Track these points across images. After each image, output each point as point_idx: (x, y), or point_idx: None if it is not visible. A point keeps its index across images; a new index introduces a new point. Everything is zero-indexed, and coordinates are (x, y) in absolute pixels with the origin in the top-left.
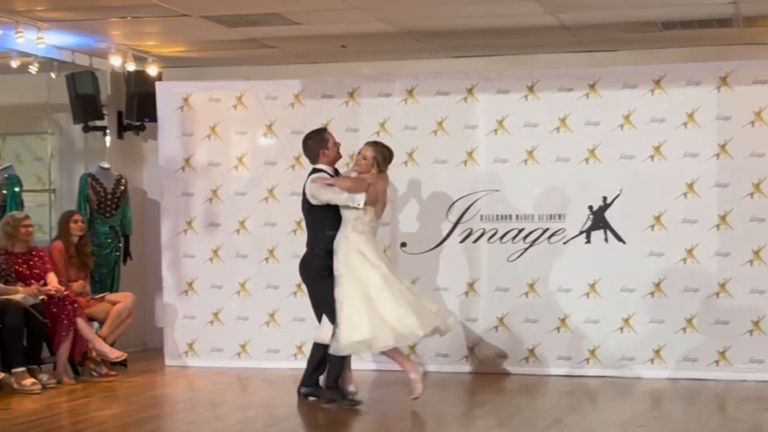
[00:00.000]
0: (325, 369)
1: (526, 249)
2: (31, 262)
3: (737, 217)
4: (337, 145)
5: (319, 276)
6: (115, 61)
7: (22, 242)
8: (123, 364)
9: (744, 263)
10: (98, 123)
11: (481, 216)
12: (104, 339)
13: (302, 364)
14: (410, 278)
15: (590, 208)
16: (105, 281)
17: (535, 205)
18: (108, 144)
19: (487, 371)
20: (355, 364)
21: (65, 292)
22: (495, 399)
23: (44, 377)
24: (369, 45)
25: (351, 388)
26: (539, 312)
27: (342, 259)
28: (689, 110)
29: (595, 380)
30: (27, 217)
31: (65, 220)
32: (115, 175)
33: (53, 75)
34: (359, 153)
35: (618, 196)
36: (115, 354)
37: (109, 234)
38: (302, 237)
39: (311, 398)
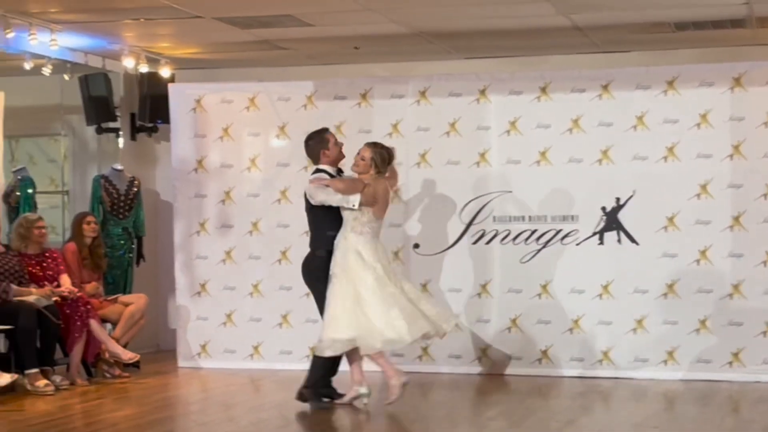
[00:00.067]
0: (336, 370)
1: (539, 250)
2: (45, 264)
3: (751, 218)
4: (338, 145)
5: (320, 277)
6: (128, 62)
7: (35, 244)
8: (136, 365)
9: (757, 264)
10: (111, 125)
11: (494, 217)
12: (117, 340)
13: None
14: (423, 279)
15: (603, 209)
16: (118, 283)
17: (548, 207)
18: (121, 146)
19: (500, 373)
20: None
21: (78, 294)
22: (508, 400)
23: (57, 378)
24: (382, 46)
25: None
26: (552, 313)
27: (338, 259)
28: (702, 111)
29: (608, 382)
30: (40, 218)
31: (78, 221)
32: (128, 177)
33: (66, 77)
34: (358, 154)
35: (631, 197)
36: (128, 355)
37: (122, 235)
38: None
39: (324, 399)
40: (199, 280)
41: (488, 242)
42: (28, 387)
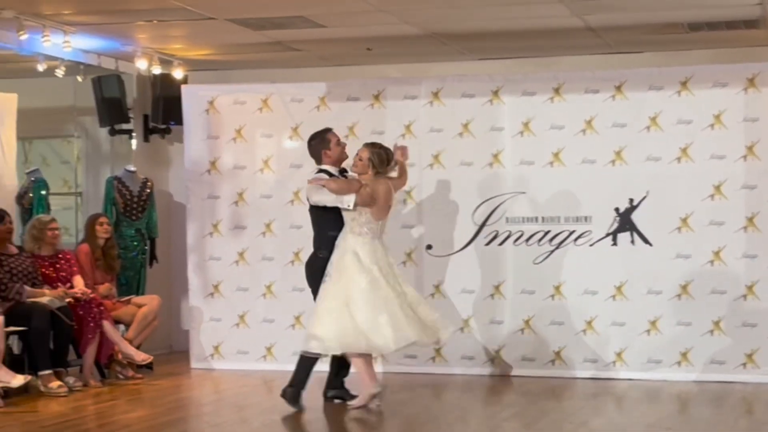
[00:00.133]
0: (348, 371)
1: (552, 251)
2: (58, 265)
3: (764, 219)
4: (341, 145)
5: (322, 277)
6: (141, 64)
7: (48, 245)
8: (149, 366)
9: None
10: (124, 126)
11: (507, 218)
12: (130, 342)
13: (328, 367)
14: (436, 280)
15: (617, 210)
16: (131, 284)
17: (561, 208)
18: (134, 147)
19: (513, 374)
20: (380, 367)
21: (91, 295)
22: (521, 402)
23: (70, 380)
24: (394, 48)
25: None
26: (565, 314)
27: (335, 259)
28: (716, 112)
29: (622, 383)
30: (53, 220)
31: (91, 222)
32: (141, 178)
33: (79, 78)
34: (357, 154)
35: (644, 198)
36: (141, 357)
37: (135, 237)
38: None
39: (337, 401)
40: (212, 282)
41: (501, 243)
42: (42, 388)
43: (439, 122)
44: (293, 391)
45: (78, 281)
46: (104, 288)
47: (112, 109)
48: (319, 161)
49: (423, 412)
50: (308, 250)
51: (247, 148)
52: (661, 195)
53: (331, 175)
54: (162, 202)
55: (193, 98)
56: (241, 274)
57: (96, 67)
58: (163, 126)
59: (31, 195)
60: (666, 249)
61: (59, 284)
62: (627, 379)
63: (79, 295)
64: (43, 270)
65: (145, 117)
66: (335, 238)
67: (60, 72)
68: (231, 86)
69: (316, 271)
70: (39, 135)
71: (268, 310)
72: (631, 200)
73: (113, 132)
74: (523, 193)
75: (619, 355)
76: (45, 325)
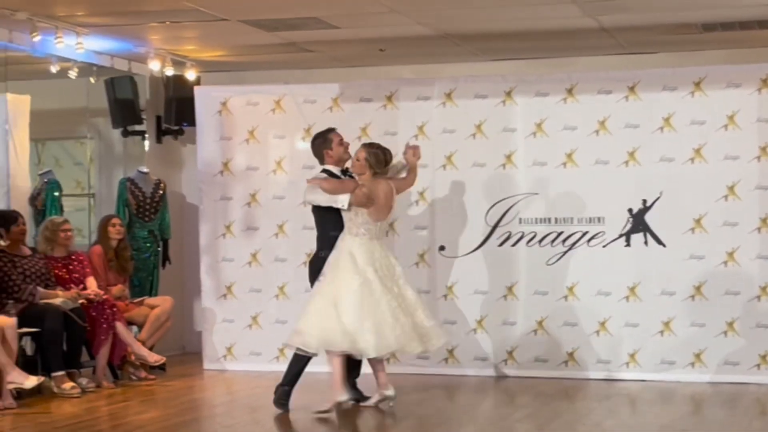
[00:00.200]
0: (359, 371)
1: (565, 252)
2: (71, 267)
3: None
4: (343, 144)
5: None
6: (154, 65)
7: (61, 247)
8: (162, 367)
9: None
10: (137, 127)
11: (520, 219)
12: (143, 343)
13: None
14: (449, 281)
15: (630, 211)
16: (144, 285)
17: (575, 208)
18: (147, 148)
19: (526, 375)
20: (393, 368)
21: (104, 296)
22: (534, 403)
23: (84, 381)
24: (407, 48)
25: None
26: (578, 315)
27: (332, 259)
28: (730, 112)
29: (635, 384)
30: (66, 221)
31: (104, 224)
32: (154, 180)
33: (92, 80)
34: (355, 154)
35: (658, 198)
36: (153, 358)
37: (148, 238)
38: None
39: (350, 402)
40: (224, 283)
41: (514, 244)
42: (55, 389)
43: (452, 123)
44: (283, 390)
45: (91, 282)
46: (117, 289)
47: (124, 111)
48: (321, 161)
49: (436, 414)
50: None
51: (259, 150)
52: (675, 196)
53: (333, 175)
54: (175, 203)
55: (205, 99)
56: (253, 276)
57: (109, 69)
58: (176, 127)
59: (44, 196)
60: (679, 250)
61: (72, 285)
62: (640, 380)
63: (92, 296)
64: (56, 271)
65: (158, 118)
66: (336, 238)
67: (73, 73)
68: (244, 87)
69: (316, 271)
70: (52, 136)
71: (281, 312)
72: (645, 201)
73: (126, 133)
74: (536, 194)
75: (632, 356)
76: (58, 326)
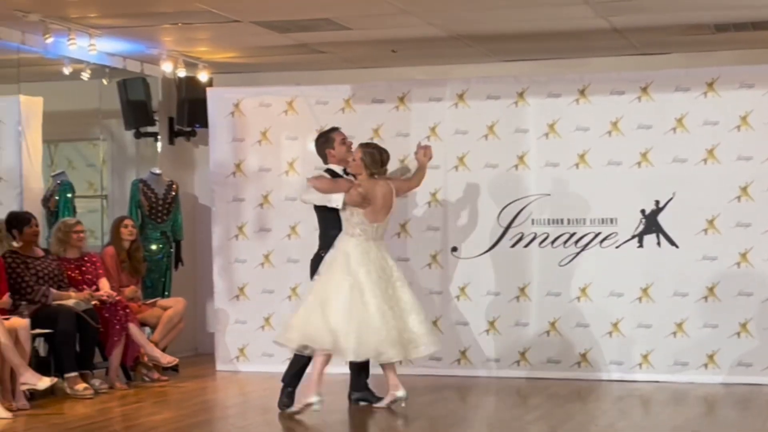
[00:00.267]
0: (368, 372)
1: (578, 253)
2: (84, 268)
3: None
4: (345, 144)
5: None
6: (166, 67)
7: (74, 248)
8: (174, 369)
9: None
10: (149, 129)
11: (532, 220)
12: (156, 344)
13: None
14: (461, 283)
15: (642, 212)
16: (156, 286)
17: (587, 209)
18: (159, 150)
19: (539, 376)
20: (405, 369)
21: (117, 298)
22: (546, 404)
23: (96, 382)
24: (419, 49)
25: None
26: (591, 316)
27: (328, 259)
28: (742, 113)
29: (648, 385)
30: (78, 223)
31: (116, 225)
32: (167, 181)
33: (105, 81)
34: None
35: (671, 199)
36: (166, 359)
37: (161, 239)
38: None
39: (362, 403)
40: (237, 284)
41: (527, 245)
42: (68, 390)
43: (464, 124)
44: (287, 391)
45: (104, 284)
46: (130, 290)
47: (137, 112)
48: (325, 160)
49: (448, 415)
50: None
51: (272, 151)
52: (688, 196)
53: (335, 174)
54: (187, 204)
55: (218, 101)
56: (266, 277)
57: (121, 70)
58: (189, 129)
59: (56, 198)
60: (692, 251)
61: (85, 287)
62: (653, 381)
63: (104, 297)
64: (69, 273)
65: (171, 120)
66: (336, 237)
67: (85, 75)
68: (256, 89)
69: (316, 270)
70: (65, 138)
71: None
72: (657, 202)
73: (138, 135)
74: (549, 195)
75: (645, 357)
76: (71, 327)
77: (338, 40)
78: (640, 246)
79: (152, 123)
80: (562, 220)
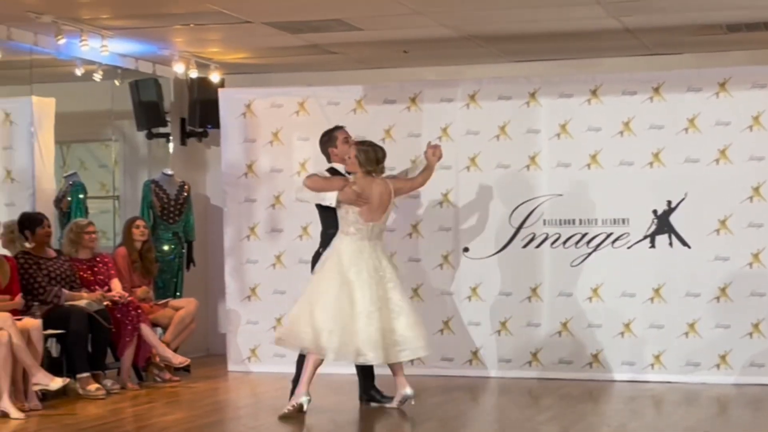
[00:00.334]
0: (373, 373)
1: (590, 254)
2: (96, 269)
3: None
4: (348, 142)
5: None
6: (178, 68)
7: (85, 249)
8: (186, 369)
9: None
10: (161, 130)
11: (544, 220)
12: (168, 344)
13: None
14: (473, 283)
15: (654, 212)
16: (168, 287)
17: (599, 210)
18: (171, 150)
19: (550, 377)
20: (417, 370)
21: (129, 298)
22: (558, 405)
23: (108, 383)
24: (431, 50)
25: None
26: (603, 317)
27: (323, 256)
28: (755, 113)
29: (660, 386)
30: (90, 223)
31: (128, 226)
32: (178, 182)
33: (117, 82)
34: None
35: (683, 200)
36: (178, 359)
37: (172, 240)
38: None
39: (373, 404)
40: (249, 285)
41: (538, 246)
42: (80, 391)
43: (476, 125)
44: (292, 388)
45: (115, 284)
46: (141, 291)
47: (149, 113)
48: (328, 159)
49: (460, 415)
50: None
51: (283, 151)
52: (700, 197)
53: (337, 173)
54: (199, 205)
55: (230, 102)
56: (278, 277)
57: (133, 71)
58: (200, 129)
59: (69, 198)
60: (704, 251)
61: (97, 287)
62: (665, 382)
63: (116, 298)
64: (81, 273)
65: (183, 120)
66: (333, 235)
67: (98, 76)
68: (268, 89)
69: (313, 268)
70: (77, 139)
71: None
72: (669, 202)
73: (150, 136)
74: (560, 195)
75: (657, 357)
76: (83, 328)
77: (350, 41)
78: (652, 246)
79: (164, 124)
80: (573, 221)
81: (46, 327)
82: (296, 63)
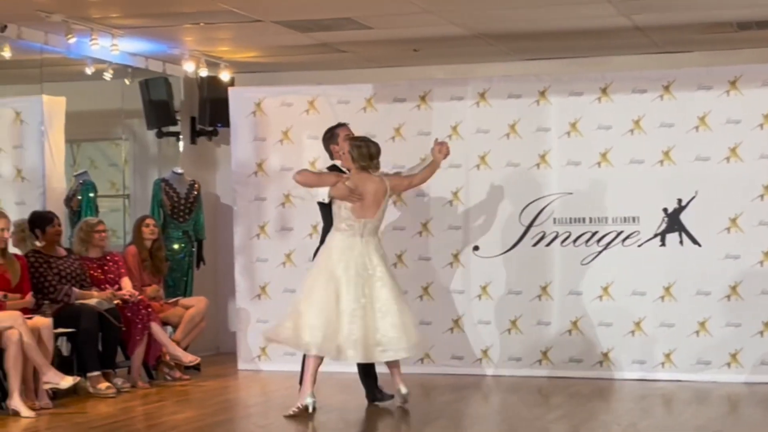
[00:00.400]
0: (375, 374)
1: (600, 252)
2: (106, 267)
3: None
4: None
5: None
6: (188, 67)
7: (96, 247)
8: (196, 368)
9: None
10: (171, 128)
11: (554, 219)
12: (178, 343)
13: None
14: (483, 282)
15: (665, 210)
16: (178, 286)
17: (609, 208)
18: (181, 149)
19: (561, 375)
20: (427, 368)
21: (139, 297)
22: (568, 403)
23: (119, 381)
24: (441, 48)
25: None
26: (613, 315)
27: (317, 254)
28: (765, 111)
29: (670, 384)
30: (101, 222)
31: (138, 224)
32: (188, 180)
33: (127, 81)
34: None
35: (693, 198)
36: (188, 358)
37: (182, 239)
38: None
39: (378, 404)
40: (259, 283)
41: (548, 244)
42: (90, 389)
43: (486, 123)
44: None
45: (126, 283)
46: (152, 290)
47: (159, 112)
48: (331, 157)
49: (470, 414)
50: None
51: (293, 150)
52: (710, 195)
53: (338, 170)
54: (209, 204)
55: (239, 100)
56: (288, 276)
57: (143, 70)
58: (210, 128)
59: (79, 197)
60: (715, 249)
61: (107, 286)
62: (676, 380)
63: (127, 296)
64: (91, 272)
65: (192, 119)
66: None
67: (108, 75)
68: (278, 88)
69: None
70: (87, 138)
71: None
72: (680, 200)
73: (160, 134)
74: (570, 193)
75: (667, 356)
76: (93, 326)
77: (360, 40)
78: (663, 245)
79: (174, 122)
80: (583, 219)
81: (56, 326)
82: (306, 62)
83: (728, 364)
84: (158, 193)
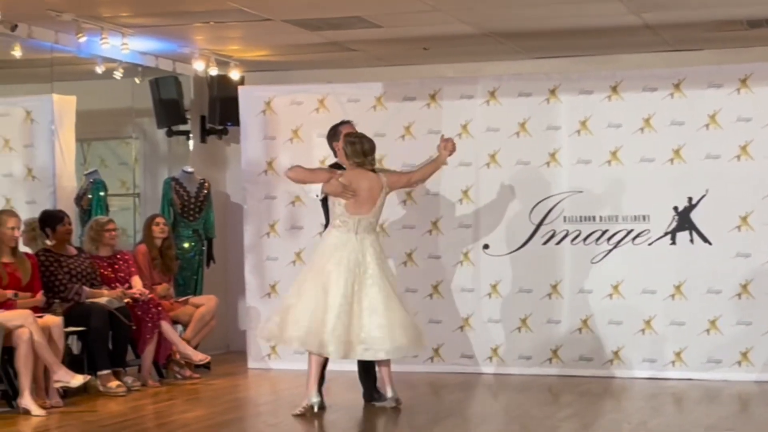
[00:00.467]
0: (374, 375)
1: (610, 250)
2: (116, 266)
3: None
4: None
5: None
6: (198, 65)
7: (106, 246)
8: (206, 366)
9: None
10: (181, 127)
11: (564, 217)
12: (188, 342)
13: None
14: (493, 280)
15: (675, 208)
16: (188, 284)
17: (619, 206)
18: (191, 148)
19: (571, 374)
20: (437, 367)
21: (149, 296)
22: (578, 402)
23: (129, 380)
24: (451, 47)
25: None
26: (623, 314)
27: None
28: None
29: (681, 383)
30: (111, 221)
31: (148, 223)
32: (199, 179)
33: (137, 80)
34: None
35: (704, 196)
36: (198, 356)
37: (193, 237)
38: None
39: (376, 404)
40: (269, 282)
41: (558, 242)
42: (101, 388)
43: (496, 121)
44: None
45: (136, 282)
46: (162, 288)
47: (169, 111)
48: (334, 154)
49: (480, 412)
50: None
51: (303, 149)
52: (721, 193)
53: (341, 168)
54: (219, 202)
55: (249, 99)
56: (298, 275)
57: (153, 69)
58: (220, 127)
59: (89, 196)
60: (725, 248)
61: (117, 285)
62: (686, 379)
63: (137, 295)
64: (102, 271)
65: (203, 118)
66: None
67: (118, 74)
68: (287, 87)
69: None
70: (97, 137)
71: None
72: (690, 199)
73: (171, 133)
74: (581, 192)
75: (678, 354)
76: (104, 325)
77: (369, 38)
78: (673, 243)
79: (184, 121)
80: (594, 217)
81: (67, 324)
82: (316, 60)
83: (739, 363)
84: (168, 191)
